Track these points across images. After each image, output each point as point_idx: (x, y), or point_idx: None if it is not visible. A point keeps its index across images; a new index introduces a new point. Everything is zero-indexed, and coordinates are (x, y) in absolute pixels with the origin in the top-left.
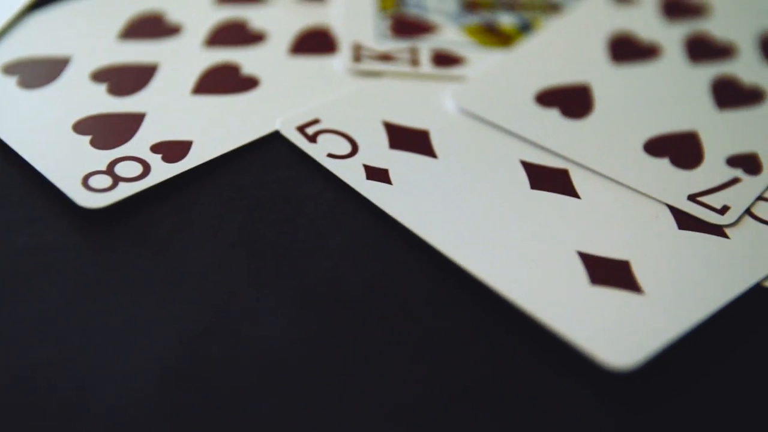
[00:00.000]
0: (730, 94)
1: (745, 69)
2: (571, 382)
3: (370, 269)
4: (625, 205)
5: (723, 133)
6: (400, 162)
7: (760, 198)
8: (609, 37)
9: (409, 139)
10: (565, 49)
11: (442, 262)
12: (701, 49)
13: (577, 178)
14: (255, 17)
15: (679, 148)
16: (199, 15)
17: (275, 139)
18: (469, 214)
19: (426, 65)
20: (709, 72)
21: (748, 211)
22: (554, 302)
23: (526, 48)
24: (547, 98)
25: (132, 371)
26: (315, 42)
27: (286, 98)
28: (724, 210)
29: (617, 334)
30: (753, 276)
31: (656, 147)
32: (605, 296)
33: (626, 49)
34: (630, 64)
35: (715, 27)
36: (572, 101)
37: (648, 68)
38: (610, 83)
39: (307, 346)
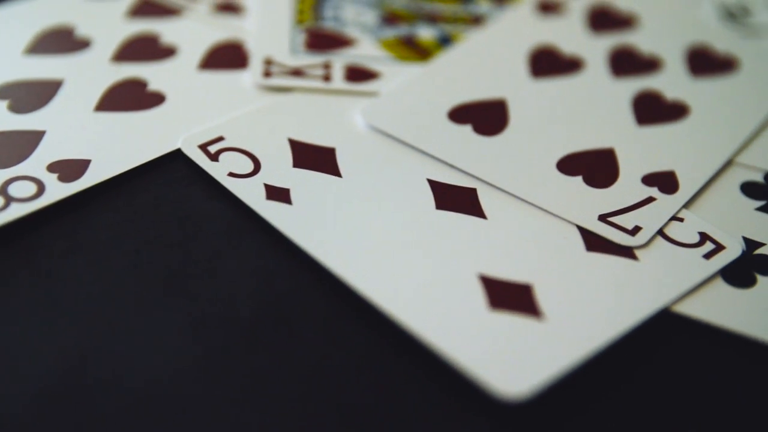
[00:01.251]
0: (651, 110)
1: (670, 83)
2: (465, 411)
3: (265, 293)
4: (532, 225)
5: (641, 150)
6: (303, 181)
7: (674, 218)
8: (530, 50)
9: (314, 157)
10: (483, 62)
11: (339, 285)
12: (625, 63)
13: (486, 197)
14: (168, 31)
15: (594, 166)
16: (110, 29)
17: (178, 157)
18: (369, 236)
19: (338, 80)
20: (631, 86)
21: (660, 232)
22: (449, 327)
23: (443, 62)
24: (460, 114)
25: (7, 395)
26: (227, 56)
27: (192, 115)
28: (635, 231)
29: (511, 361)
30: (659, 300)
31: (570, 165)
32: (503, 321)
33: (547, 63)
34: (550, 79)
35: (642, 39)
36: (486, 117)
37: (568, 82)
38: (527, 98)
39: (194, 373)
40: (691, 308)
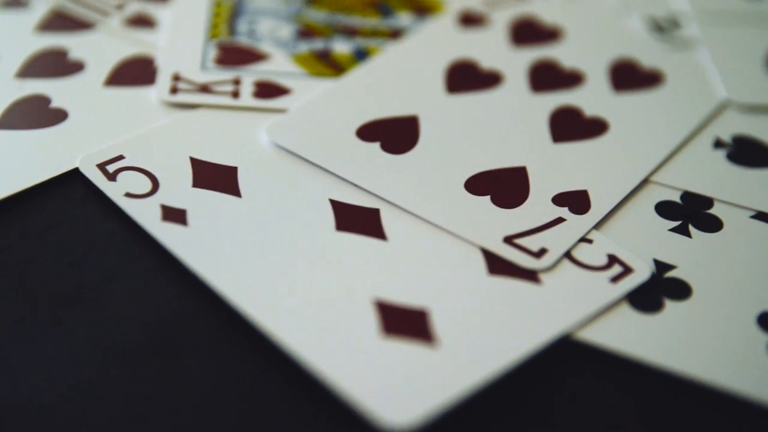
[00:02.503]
0: (569, 126)
1: (591, 99)
2: None
3: (153, 318)
4: (434, 247)
5: (555, 168)
6: (201, 201)
7: (583, 239)
8: (448, 64)
9: (215, 177)
10: (397, 78)
11: (231, 310)
12: (546, 78)
13: (389, 218)
14: (77, 46)
15: (504, 186)
16: (18, 43)
17: (76, 176)
18: (263, 259)
19: (247, 97)
20: (550, 102)
21: (568, 254)
22: (337, 355)
23: (355, 77)
24: (369, 132)
25: None
26: (135, 72)
27: (94, 133)
28: (540, 253)
29: (398, 390)
30: (558, 326)
31: (478, 184)
32: (394, 348)
33: (465, 78)
34: (467, 94)
35: (566, 53)
36: (396, 135)
37: (485, 98)
38: (441, 115)
39: (74, 400)
40: (594, 334)
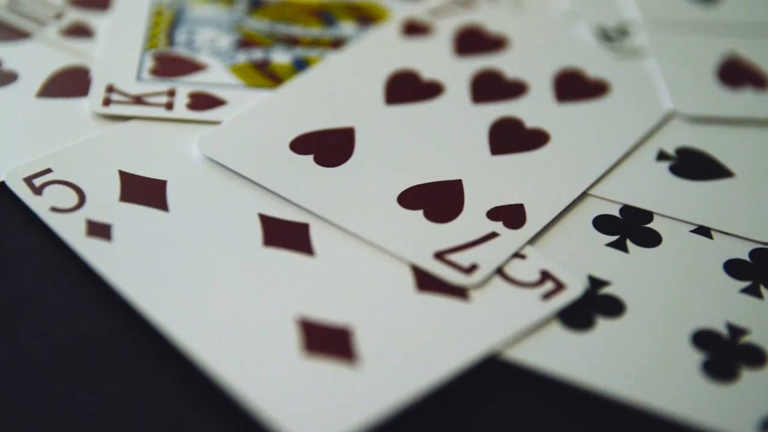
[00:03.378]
0: (508, 138)
1: (533, 109)
2: None
3: (73, 334)
4: (363, 263)
5: (492, 181)
6: (127, 216)
7: (516, 255)
8: (389, 74)
9: (143, 191)
10: (335, 88)
11: (151, 327)
12: (488, 88)
13: (318, 233)
14: (11, 56)
15: (437, 200)
16: None
17: (3, 190)
18: (187, 275)
19: (181, 108)
20: (491, 113)
21: (500, 270)
22: (256, 374)
23: (291, 88)
24: (303, 144)
25: None
26: (69, 83)
27: (23, 145)
28: (471, 269)
29: (315, 411)
30: (484, 344)
31: (412, 198)
32: (314, 367)
33: (405, 88)
34: (406, 105)
35: (510, 63)
36: (330, 147)
37: (425, 109)
38: (378, 127)
39: None
40: (523, 353)
